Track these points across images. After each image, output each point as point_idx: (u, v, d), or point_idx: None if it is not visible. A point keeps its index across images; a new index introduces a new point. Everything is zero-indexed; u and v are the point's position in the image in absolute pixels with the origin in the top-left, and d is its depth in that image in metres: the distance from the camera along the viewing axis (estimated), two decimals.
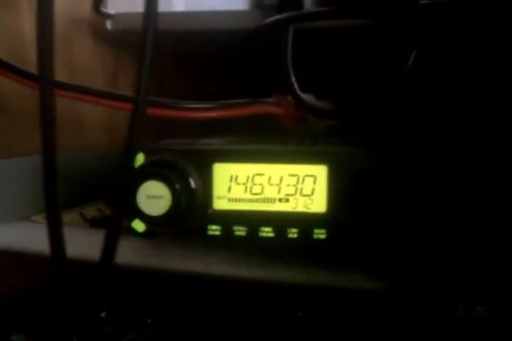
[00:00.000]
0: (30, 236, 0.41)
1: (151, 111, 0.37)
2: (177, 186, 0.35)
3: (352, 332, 0.41)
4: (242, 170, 0.36)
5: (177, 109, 0.38)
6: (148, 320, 0.44)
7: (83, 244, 0.35)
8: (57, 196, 0.24)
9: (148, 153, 0.37)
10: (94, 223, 0.45)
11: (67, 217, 0.46)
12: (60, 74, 0.30)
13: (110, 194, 0.50)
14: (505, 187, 0.33)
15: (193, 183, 0.36)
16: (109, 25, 0.52)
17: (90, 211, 0.48)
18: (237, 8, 0.48)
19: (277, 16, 0.43)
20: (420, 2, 0.36)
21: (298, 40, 0.42)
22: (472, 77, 0.48)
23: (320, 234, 0.36)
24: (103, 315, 0.43)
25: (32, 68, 0.47)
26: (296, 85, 0.42)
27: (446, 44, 0.46)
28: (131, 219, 0.37)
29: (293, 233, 0.36)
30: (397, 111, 0.42)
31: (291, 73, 0.42)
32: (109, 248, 0.25)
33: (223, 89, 0.58)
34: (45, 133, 0.22)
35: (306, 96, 0.42)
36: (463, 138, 0.38)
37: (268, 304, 0.44)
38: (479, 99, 0.45)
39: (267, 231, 0.36)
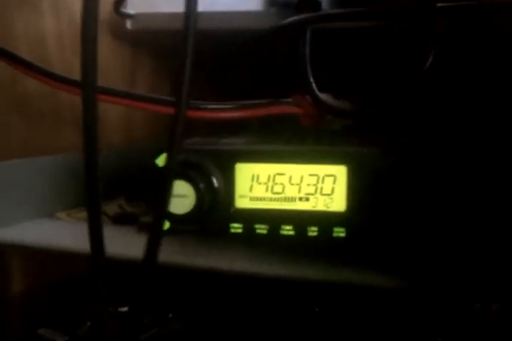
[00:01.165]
0: (54, 233, 0.43)
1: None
2: (201, 185, 0.36)
3: (367, 328, 0.42)
4: (264, 169, 0.37)
5: (200, 110, 0.39)
6: (170, 315, 0.45)
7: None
8: (99, 198, 0.25)
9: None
10: (116, 220, 0.46)
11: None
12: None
13: (133, 191, 0.52)
14: None
15: (216, 183, 0.37)
16: (128, 25, 0.53)
17: (112, 208, 0.49)
18: (251, 5, 0.49)
19: (295, 17, 0.43)
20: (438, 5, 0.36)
21: (314, 39, 0.43)
22: (491, 78, 0.48)
23: (339, 232, 0.37)
24: (126, 309, 0.44)
25: (54, 67, 0.48)
26: (314, 85, 0.42)
27: (465, 44, 0.46)
28: None
29: (313, 231, 0.37)
30: (414, 110, 0.42)
31: (310, 73, 0.43)
32: (152, 250, 0.26)
33: (240, 88, 0.58)
34: (88, 140, 0.23)
35: (324, 96, 0.43)
36: (480, 138, 0.39)
37: (286, 300, 0.45)
38: (497, 100, 0.45)
39: (287, 230, 0.37)
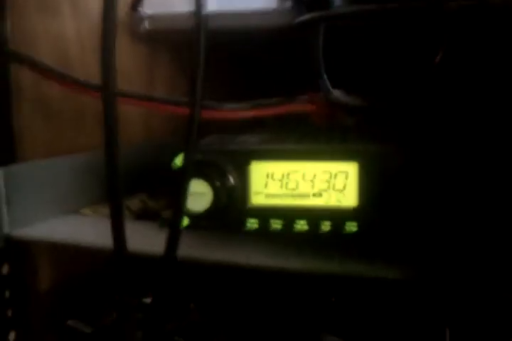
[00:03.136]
0: (79, 229, 0.45)
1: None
2: (217, 184, 0.38)
3: (378, 319, 0.43)
4: (278, 167, 0.38)
5: (216, 110, 0.40)
6: (191, 306, 0.47)
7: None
8: (120, 195, 0.27)
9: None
10: (138, 215, 0.48)
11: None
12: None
13: (155, 187, 0.53)
14: None
15: (231, 180, 0.38)
16: (146, 24, 0.54)
17: (135, 203, 0.51)
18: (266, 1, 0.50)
19: (307, 16, 0.44)
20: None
21: (327, 35, 0.44)
22: (502, 76, 0.49)
23: (351, 226, 0.38)
24: (149, 301, 0.46)
25: (74, 69, 0.50)
26: (328, 83, 0.43)
27: (475, 42, 0.47)
28: None
29: (326, 226, 0.38)
30: (425, 107, 0.43)
31: (323, 71, 0.44)
32: (172, 245, 0.28)
33: (254, 85, 0.59)
34: (109, 139, 0.25)
35: (336, 92, 0.44)
36: (490, 136, 0.39)
37: (303, 290, 0.47)
38: (507, 99, 0.46)
39: (301, 224, 0.38)
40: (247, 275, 0.45)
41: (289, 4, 0.48)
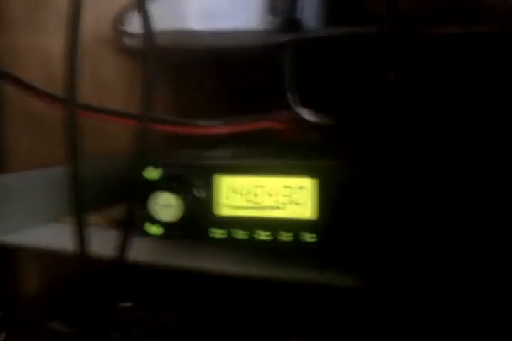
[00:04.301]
0: (58, 236, 0.47)
1: (174, 129, 0.44)
2: (184, 196, 0.41)
3: (338, 322, 0.47)
4: (240, 181, 0.41)
5: (192, 126, 0.43)
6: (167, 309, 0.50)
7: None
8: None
9: (161, 167, 0.42)
10: (118, 224, 0.50)
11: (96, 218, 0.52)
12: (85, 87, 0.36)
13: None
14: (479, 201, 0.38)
15: (197, 193, 0.41)
16: (126, 41, 0.57)
17: (114, 212, 0.53)
18: (249, 16, 0.52)
19: (277, 39, 0.47)
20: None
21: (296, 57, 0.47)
22: (464, 88, 0.51)
23: (310, 237, 0.41)
24: (128, 305, 0.49)
25: (59, 84, 0.52)
26: (293, 101, 0.46)
27: (435, 55, 0.49)
28: (149, 224, 0.43)
29: (286, 236, 0.41)
30: (383, 123, 0.46)
31: (289, 90, 0.47)
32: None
33: (236, 101, 0.62)
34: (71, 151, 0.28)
35: (303, 112, 0.47)
36: (445, 147, 0.42)
37: (264, 298, 0.50)
38: (468, 109, 0.49)
39: (263, 235, 0.41)
40: (216, 280, 0.48)
41: (274, 22, 0.50)
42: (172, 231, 0.43)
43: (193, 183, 0.41)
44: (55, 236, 0.48)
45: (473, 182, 0.39)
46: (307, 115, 0.46)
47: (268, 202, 0.41)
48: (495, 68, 0.46)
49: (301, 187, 0.40)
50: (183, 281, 0.51)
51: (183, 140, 0.47)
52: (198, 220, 0.42)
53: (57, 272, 0.54)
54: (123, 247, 0.34)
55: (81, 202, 0.34)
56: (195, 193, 0.41)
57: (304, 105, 0.47)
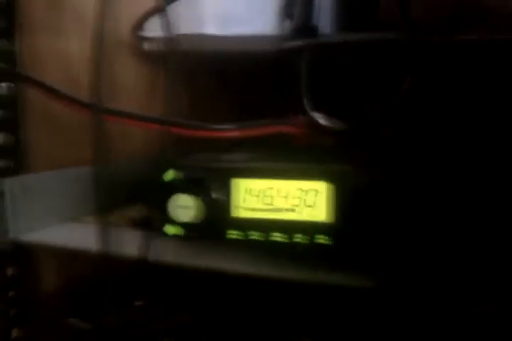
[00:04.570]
0: (78, 235, 0.49)
1: (193, 133, 0.45)
2: (201, 198, 0.42)
3: (349, 323, 0.47)
4: (255, 184, 0.42)
5: (207, 130, 0.44)
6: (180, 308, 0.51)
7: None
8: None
9: (181, 170, 0.44)
10: (136, 224, 0.52)
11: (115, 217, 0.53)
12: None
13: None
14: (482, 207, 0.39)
15: (214, 195, 0.43)
16: (145, 46, 0.58)
17: (133, 212, 0.54)
18: (265, 19, 0.53)
19: (292, 44, 0.48)
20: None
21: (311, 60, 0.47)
22: (478, 95, 0.52)
23: (324, 239, 0.42)
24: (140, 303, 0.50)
25: (79, 87, 0.53)
26: (308, 106, 0.47)
27: (450, 62, 0.50)
28: (168, 225, 0.44)
29: (300, 238, 0.42)
30: (397, 129, 0.47)
31: (305, 94, 0.47)
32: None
33: (249, 104, 0.63)
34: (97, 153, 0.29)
35: (317, 116, 0.47)
36: (456, 154, 0.43)
37: (276, 299, 0.51)
38: (476, 117, 0.49)
39: (277, 236, 0.42)
40: (229, 280, 0.49)
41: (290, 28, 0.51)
42: (190, 232, 0.44)
43: (212, 186, 0.42)
44: (74, 236, 0.49)
45: (488, 187, 0.40)
46: (322, 120, 0.47)
47: (284, 204, 0.42)
48: (511, 76, 0.46)
49: (316, 191, 0.41)
50: (195, 281, 0.52)
51: (197, 143, 0.48)
52: (216, 222, 0.43)
53: (75, 270, 0.56)
54: (146, 247, 0.35)
55: (106, 203, 0.35)
56: (213, 195, 0.42)
57: (319, 110, 0.48)
